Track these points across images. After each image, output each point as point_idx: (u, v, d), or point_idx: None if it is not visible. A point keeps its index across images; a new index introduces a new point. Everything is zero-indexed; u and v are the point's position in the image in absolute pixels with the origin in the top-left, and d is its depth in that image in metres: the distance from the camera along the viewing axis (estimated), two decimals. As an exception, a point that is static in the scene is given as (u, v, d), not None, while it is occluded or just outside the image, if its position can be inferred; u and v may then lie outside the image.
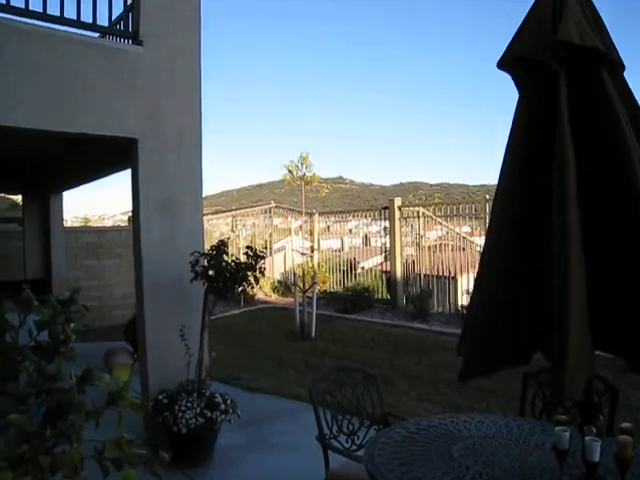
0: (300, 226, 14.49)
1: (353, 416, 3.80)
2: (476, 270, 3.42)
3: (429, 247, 11.78)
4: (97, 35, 4.98)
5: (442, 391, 6.64)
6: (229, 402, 4.52)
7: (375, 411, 3.80)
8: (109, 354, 7.66)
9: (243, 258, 4.68)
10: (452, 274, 11.19)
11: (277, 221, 15.16)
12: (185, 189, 4.96)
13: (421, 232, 11.65)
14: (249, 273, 4.49)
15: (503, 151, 2.76)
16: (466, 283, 11.09)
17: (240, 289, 4.50)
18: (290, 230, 14.97)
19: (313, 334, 9.69)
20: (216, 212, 17.11)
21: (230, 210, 16.81)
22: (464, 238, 11.80)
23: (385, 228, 16.07)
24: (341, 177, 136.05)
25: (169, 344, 4.64)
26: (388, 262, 14.94)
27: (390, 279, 11.79)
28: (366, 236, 16.03)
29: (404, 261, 11.64)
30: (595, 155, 2.51)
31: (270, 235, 15.41)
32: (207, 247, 4.70)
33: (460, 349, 2.96)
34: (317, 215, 10.39)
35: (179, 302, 4.78)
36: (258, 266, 4.50)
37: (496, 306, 2.75)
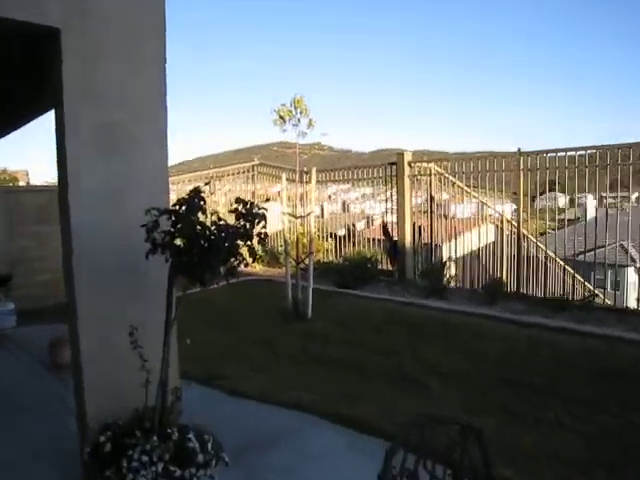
0: (293, 188, 12.77)
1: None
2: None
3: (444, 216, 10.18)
4: None
5: (494, 395, 5.14)
6: (210, 445, 2.91)
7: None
8: (55, 345, 6.07)
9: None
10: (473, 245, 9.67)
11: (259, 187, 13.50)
12: (139, 114, 3.28)
13: (435, 194, 10.03)
14: (241, 242, 2.86)
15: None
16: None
17: (226, 268, 2.89)
18: (280, 193, 13.34)
19: (310, 314, 8.12)
20: (179, 173, 15.02)
21: (204, 170, 14.85)
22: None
23: (364, 195, 14.55)
24: (319, 143, 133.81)
25: (115, 353, 3.05)
26: (371, 229, 13.44)
27: (396, 248, 10.20)
28: (344, 202, 15.13)
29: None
30: None
31: (253, 194, 13.74)
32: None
33: None
34: (314, 172, 8.65)
35: (130, 290, 3.17)
36: (256, 231, 2.87)
37: None
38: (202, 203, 2.79)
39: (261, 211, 2.90)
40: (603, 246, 8.39)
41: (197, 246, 2.75)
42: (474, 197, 10.17)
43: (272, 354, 6.64)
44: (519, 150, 8.61)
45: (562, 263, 8.85)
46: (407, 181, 9.76)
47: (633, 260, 11.74)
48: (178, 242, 2.78)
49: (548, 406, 4.82)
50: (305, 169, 12.21)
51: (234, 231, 2.80)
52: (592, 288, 8.00)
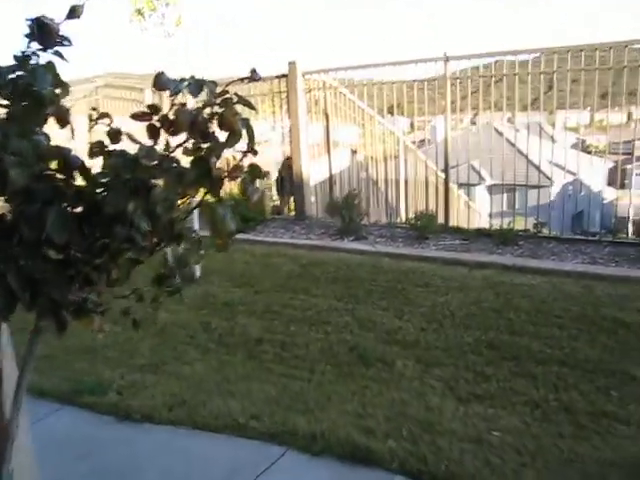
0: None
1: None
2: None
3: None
4: None
5: (482, 371, 3.88)
6: None
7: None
8: None
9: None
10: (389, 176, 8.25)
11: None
12: None
13: (330, 112, 8.41)
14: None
15: None
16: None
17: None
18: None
19: (198, 271, 6.34)
20: None
21: None
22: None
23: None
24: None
25: None
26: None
27: (287, 178, 8.55)
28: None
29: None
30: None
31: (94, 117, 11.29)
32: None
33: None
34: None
35: None
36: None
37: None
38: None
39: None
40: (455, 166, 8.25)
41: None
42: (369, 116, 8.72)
43: (161, 336, 4.90)
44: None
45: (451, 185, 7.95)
46: (302, 97, 8.02)
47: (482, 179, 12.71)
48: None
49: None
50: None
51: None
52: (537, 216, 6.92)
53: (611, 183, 13.28)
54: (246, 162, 1.45)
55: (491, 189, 9.80)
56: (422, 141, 10.82)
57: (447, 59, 6.94)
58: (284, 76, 8.15)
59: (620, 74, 6.23)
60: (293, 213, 8.57)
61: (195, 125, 1.32)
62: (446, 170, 7.32)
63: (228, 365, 4.34)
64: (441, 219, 7.35)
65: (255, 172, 1.45)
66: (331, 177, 8.58)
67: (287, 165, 8.33)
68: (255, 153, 1.46)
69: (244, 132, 1.40)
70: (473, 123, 12.61)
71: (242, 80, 1.47)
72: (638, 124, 6.68)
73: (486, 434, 3.20)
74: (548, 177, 9.69)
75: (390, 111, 8.82)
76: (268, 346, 4.58)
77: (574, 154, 8.32)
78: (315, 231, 7.69)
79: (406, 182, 8.85)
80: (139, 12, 6.06)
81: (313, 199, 8.42)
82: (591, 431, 3.21)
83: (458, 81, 7.14)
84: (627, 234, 7.58)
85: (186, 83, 1.34)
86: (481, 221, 9.26)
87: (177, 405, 3.68)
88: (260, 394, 3.82)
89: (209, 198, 1.45)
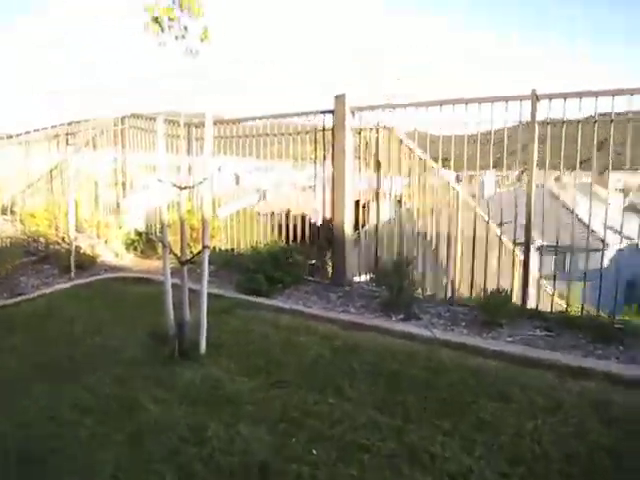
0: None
1: None
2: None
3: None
4: None
5: None
6: None
7: None
8: None
9: None
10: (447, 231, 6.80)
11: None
12: None
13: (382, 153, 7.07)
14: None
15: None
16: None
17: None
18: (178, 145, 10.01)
19: (204, 346, 5.04)
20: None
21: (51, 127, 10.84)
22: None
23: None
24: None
25: None
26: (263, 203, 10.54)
27: (323, 237, 7.22)
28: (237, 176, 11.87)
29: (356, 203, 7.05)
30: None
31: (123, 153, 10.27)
32: None
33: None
34: (209, 116, 5.36)
35: None
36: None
37: None
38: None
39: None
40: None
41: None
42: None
43: (136, 453, 3.54)
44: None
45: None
46: (349, 138, 6.73)
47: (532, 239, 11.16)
48: None
49: None
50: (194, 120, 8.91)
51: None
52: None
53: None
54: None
55: (541, 250, 8.68)
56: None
57: (537, 98, 5.60)
58: (329, 112, 6.89)
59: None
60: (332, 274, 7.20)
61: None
62: (527, 239, 5.88)
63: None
64: (515, 297, 5.89)
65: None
66: (377, 235, 7.19)
67: (326, 225, 7.04)
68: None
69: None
70: (519, 180, 11.65)
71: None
72: None
73: None
74: (602, 240, 8.38)
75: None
76: (276, 481, 3.19)
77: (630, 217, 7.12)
78: (354, 301, 6.29)
79: (458, 243, 7.45)
80: (156, 21, 4.88)
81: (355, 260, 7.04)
82: None
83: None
84: None
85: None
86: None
87: None
88: None
89: None
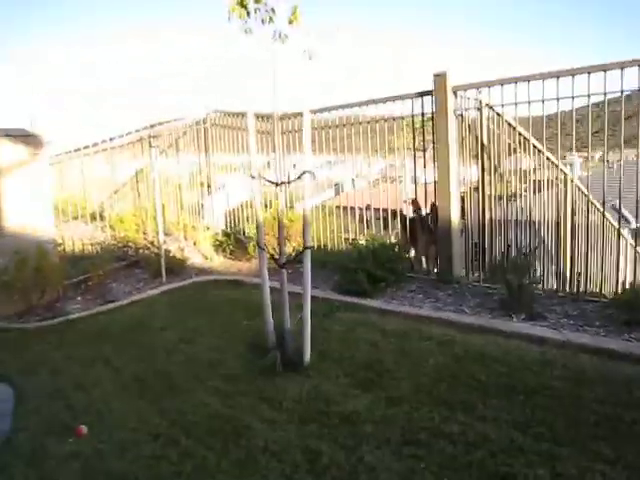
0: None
1: None
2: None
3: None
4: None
5: None
6: None
7: None
8: None
9: None
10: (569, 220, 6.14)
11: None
12: None
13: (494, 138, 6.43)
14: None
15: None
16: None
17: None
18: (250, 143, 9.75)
19: (308, 355, 4.63)
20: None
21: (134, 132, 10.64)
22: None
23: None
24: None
25: None
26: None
27: (426, 227, 6.69)
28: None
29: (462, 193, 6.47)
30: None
31: (207, 154, 10.03)
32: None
33: None
34: (307, 112, 4.95)
35: None
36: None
37: None
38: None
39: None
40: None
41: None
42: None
43: (248, 476, 3.19)
44: None
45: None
46: (452, 122, 6.17)
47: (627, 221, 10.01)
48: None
49: None
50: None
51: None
52: None
53: None
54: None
55: (635, 233, 7.97)
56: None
57: None
58: (427, 93, 6.34)
59: None
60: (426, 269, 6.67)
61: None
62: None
63: None
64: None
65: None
66: (485, 227, 6.58)
67: (434, 210, 6.51)
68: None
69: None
70: (602, 161, 10.71)
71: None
72: None
73: None
74: None
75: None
76: None
77: None
78: (467, 300, 5.75)
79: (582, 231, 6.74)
80: (241, 4, 4.48)
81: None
82: None
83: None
84: None
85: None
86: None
87: None
88: None
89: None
